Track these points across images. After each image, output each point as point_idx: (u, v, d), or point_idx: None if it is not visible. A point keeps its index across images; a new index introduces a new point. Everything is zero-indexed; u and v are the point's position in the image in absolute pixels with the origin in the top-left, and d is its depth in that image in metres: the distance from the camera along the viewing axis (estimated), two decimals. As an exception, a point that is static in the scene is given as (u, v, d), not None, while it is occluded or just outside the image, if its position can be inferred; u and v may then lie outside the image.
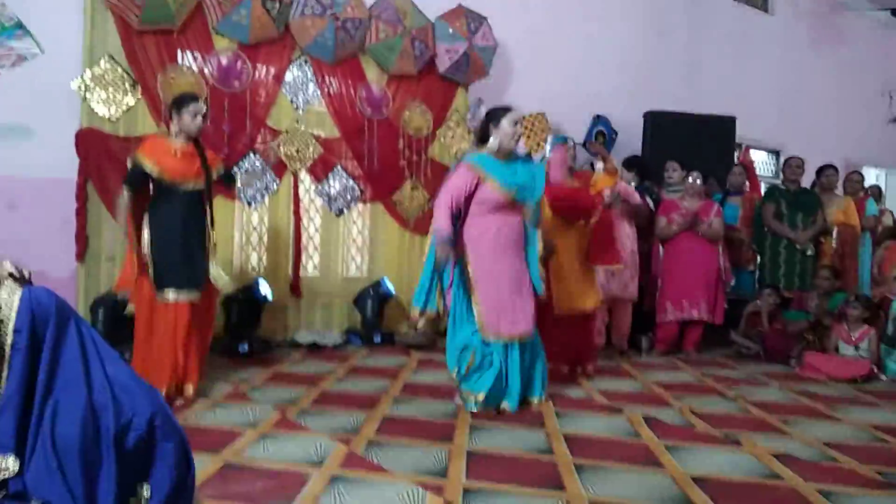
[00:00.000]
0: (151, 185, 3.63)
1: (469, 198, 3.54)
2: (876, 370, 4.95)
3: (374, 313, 5.42)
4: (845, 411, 3.95)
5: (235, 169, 4.94)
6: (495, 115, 3.57)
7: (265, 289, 4.97)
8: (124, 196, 3.55)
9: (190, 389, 3.62)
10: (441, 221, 3.48)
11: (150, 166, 3.54)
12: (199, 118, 3.63)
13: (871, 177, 9.80)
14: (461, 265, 3.59)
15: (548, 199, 4.02)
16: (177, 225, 3.61)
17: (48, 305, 1.64)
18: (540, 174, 3.71)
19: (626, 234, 5.22)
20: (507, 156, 3.57)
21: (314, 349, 5.05)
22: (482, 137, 3.61)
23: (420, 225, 5.91)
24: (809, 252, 5.82)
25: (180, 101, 3.65)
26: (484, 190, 3.51)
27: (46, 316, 1.63)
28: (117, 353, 1.75)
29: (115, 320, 4.16)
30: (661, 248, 5.57)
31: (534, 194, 3.62)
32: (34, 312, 1.61)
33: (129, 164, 3.65)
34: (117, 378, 1.64)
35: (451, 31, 5.79)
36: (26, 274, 1.74)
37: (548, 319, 4.03)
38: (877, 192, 7.34)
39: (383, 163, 5.72)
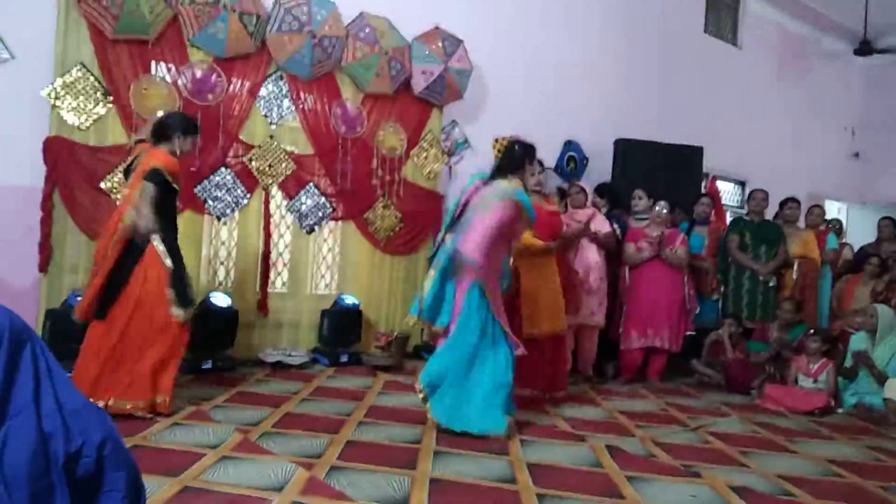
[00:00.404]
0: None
1: None
2: (833, 403, 5.06)
3: (341, 332, 5.39)
4: (803, 444, 4.03)
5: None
6: (531, 152, 3.89)
7: (221, 300, 4.90)
8: (149, 189, 3.52)
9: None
10: (480, 255, 3.45)
11: (172, 179, 3.61)
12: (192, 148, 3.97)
13: (833, 210, 10.06)
14: (480, 289, 3.62)
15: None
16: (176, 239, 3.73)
17: (2, 327, 1.60)
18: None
19: (594, 262, 5.28)
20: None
21: (280, 368, 4.99)
22: (511, 167, 3.77)
23: (391, 244, 5.91)
24: (771, 283, 5.94)
25: (193, 129, 3.85)
26: (516, 224, 3.68)
27: (0, 338, 1.58)
28: (68, 376, 1.71)
29: (64, 333, 4.06)
30: (626, 275, 5.62)
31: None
32: None
33: (155, 181, 3.54)
34: (68, 403, 1.60)
35: (427, 52, 5.84)
36: None
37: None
38: (838, 227, 7.54)
39: (356, 181, 5.72)
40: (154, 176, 3.54)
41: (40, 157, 4.44)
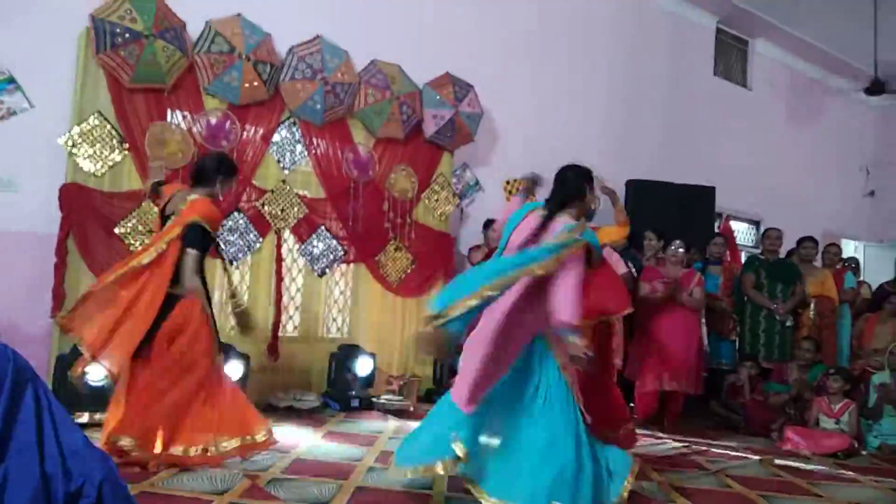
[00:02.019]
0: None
1: None
2: (857, 444, 4.92)
3: (352, 376, 5.35)
4: (826, 487, 3.91)
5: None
6: (589, 176, 3.39)
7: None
8: (192, 257, 3.47)
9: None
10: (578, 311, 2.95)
11: (211, 229, 3.56)
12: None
13: (849, 249, 9.96)
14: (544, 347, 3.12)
15: None
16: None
17: (5, 366, 1.60)
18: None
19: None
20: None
21: (290, 413, 4.95)
22: (573, 198, 3.29)
23: (403, 286, 5.90)
24: (788, 323, 5.86)
25: (233, 170, 3.81)
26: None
27: (2, 377, 1.58)
28: (69, 416, 1.70)
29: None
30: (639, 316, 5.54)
31: None
32: None
33: (196, 246, 3.49)
34: (69, 443, 1.59)
35: (438, 97, 5.92)
36: None
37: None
38: (855, 266, 7.45)
39: (367, 224, 5.75)
40: (194, 238, 3.46)
41: (56, 204, 4.51)
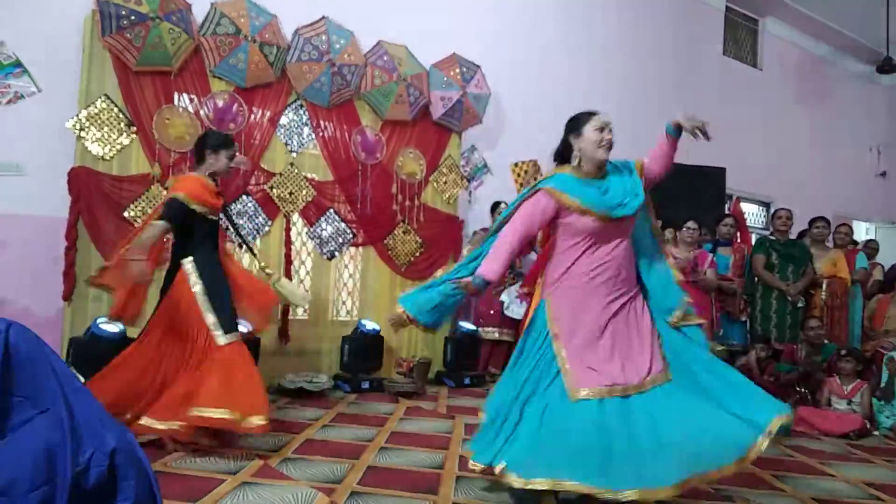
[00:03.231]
0: (188, 226, 3.57)
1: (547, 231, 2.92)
2: (869, 425, 4.90)
3: (362, 358, 5.35)
4: (838, 467, 3.89)
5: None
6: (576, 123, 2.84)
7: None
8: (157, 227, 3.47)
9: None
10: (496, 266, 2.73)
11: (196, 205, 3.54)
12: (231, 161, 3.75)
13: (861, 230, 9.89)
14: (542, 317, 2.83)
15: None
16: (218, 264, 3.65)
17: (17, 341, 1.59)
18: (637, 184, 2.85)
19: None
20: (595, 172, 2.83)
21: (301, 394, 4.96)
22: (563, 157, 2.91)
23: (411, 269, 5.90)
24: (800, 304, 5.82)
25: (222, 143, 3.70)
26: (569, 219, 2.77)
27: (16, 350, 1.58)
28: (83, 387, 1.69)
29: (86, 361, 4.06)
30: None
31: (633, 207, 2.77)
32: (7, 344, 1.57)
33: (171, 202, 3.53)
34: (81, 414, 1.59)
35: (445, 78, 5.88)
36: None
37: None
38: (875, 248, 7.39)
39: (376, 207, 5.74)
40: (166, 212, 3.51)
41: (65, 188, 4.51)
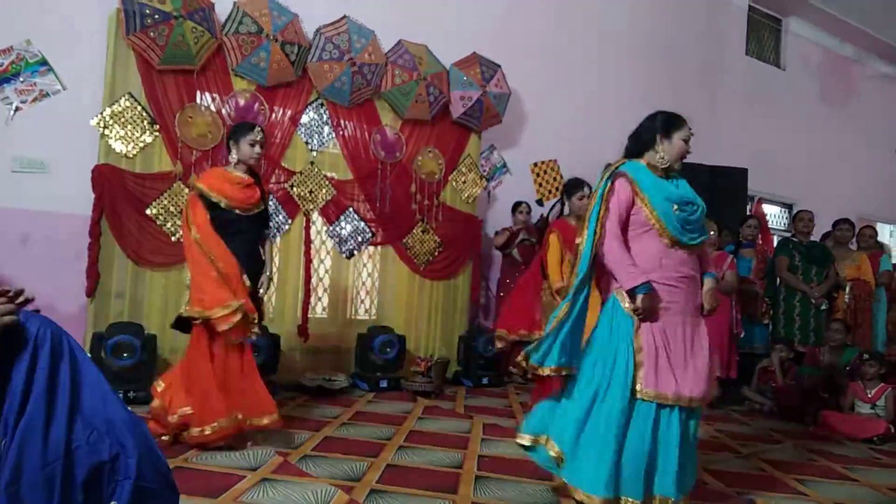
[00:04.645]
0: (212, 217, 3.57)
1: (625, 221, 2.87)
2: (893, 429, 4.83)
3: (380, 357, 5.36)
4: (863, 472, 3.84)
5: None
6: (668, 125, 2.96)
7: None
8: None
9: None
10: (616, 249, 2.77)
11: (215, 196, 3.56)
12: (257, 147, 3.66)
13: (884, 232, 9.75)
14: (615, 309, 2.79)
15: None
16: (242, 260, 3.60)
17: (44, 334, 1.61)
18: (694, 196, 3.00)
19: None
20: (664, 172, 2.96)
21: (320, 393, 4.98)
22: (638, 150, 3.00)
23: (430, 269, 5.90)
24: (823, 307, 5.75)
25: (238, 131, 3.68)
26: (637, 211, 2.85)
27: (42, 342, 1.59)
28: (106, 387, 1.69)
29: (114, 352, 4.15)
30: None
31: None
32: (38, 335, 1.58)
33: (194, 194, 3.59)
34: (101, 413, 1.58)
35: (465, 78, 5.87)
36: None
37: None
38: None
39: (395, 206, 5.74)
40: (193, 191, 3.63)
41: (89, 185, 4.55)
